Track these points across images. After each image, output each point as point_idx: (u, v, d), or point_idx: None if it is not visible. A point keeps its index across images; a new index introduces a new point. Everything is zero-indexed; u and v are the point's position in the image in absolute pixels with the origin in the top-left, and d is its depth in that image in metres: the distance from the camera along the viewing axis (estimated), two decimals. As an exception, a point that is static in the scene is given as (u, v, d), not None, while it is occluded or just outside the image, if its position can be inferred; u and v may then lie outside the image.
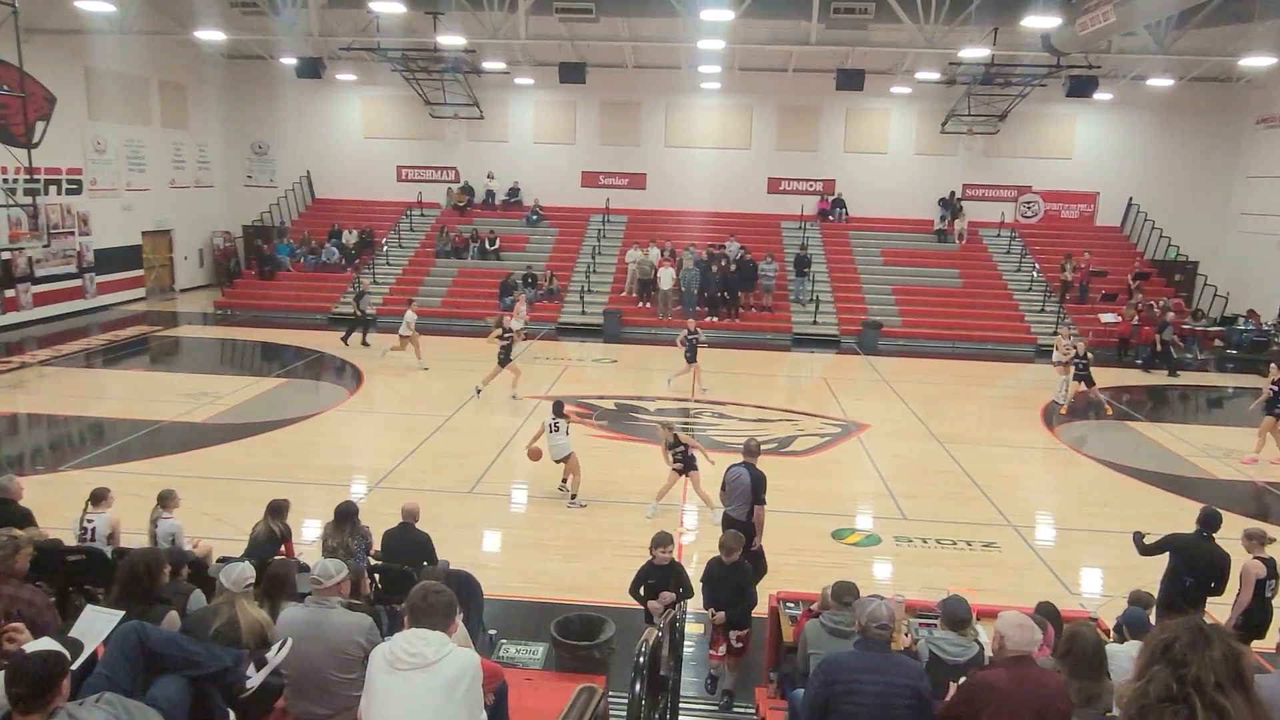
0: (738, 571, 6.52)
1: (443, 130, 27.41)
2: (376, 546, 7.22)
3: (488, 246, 25.29)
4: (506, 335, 15.53)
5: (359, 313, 19.65)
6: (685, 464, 10.30)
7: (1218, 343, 22.07)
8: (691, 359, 16.68)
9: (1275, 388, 13.06)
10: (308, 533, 9.00)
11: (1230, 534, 7.05)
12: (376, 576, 6.74)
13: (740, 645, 6.64)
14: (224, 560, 5.86)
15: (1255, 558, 6.73)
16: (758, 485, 7.77)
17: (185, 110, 26.07)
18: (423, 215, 27.19)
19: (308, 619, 4.26)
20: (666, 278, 22.83)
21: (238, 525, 8.16)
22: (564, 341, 21.75)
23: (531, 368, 18.33)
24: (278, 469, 11.50)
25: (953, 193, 26.52)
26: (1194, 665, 2.27)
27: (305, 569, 5.09)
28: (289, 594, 4.82)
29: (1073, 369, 15.78)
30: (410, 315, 17.44)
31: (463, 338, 21.25)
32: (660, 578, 6.57)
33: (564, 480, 10.96)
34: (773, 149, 26.87)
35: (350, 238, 25.90)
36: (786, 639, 6.00)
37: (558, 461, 10.80)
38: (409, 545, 7.10)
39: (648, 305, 23.35)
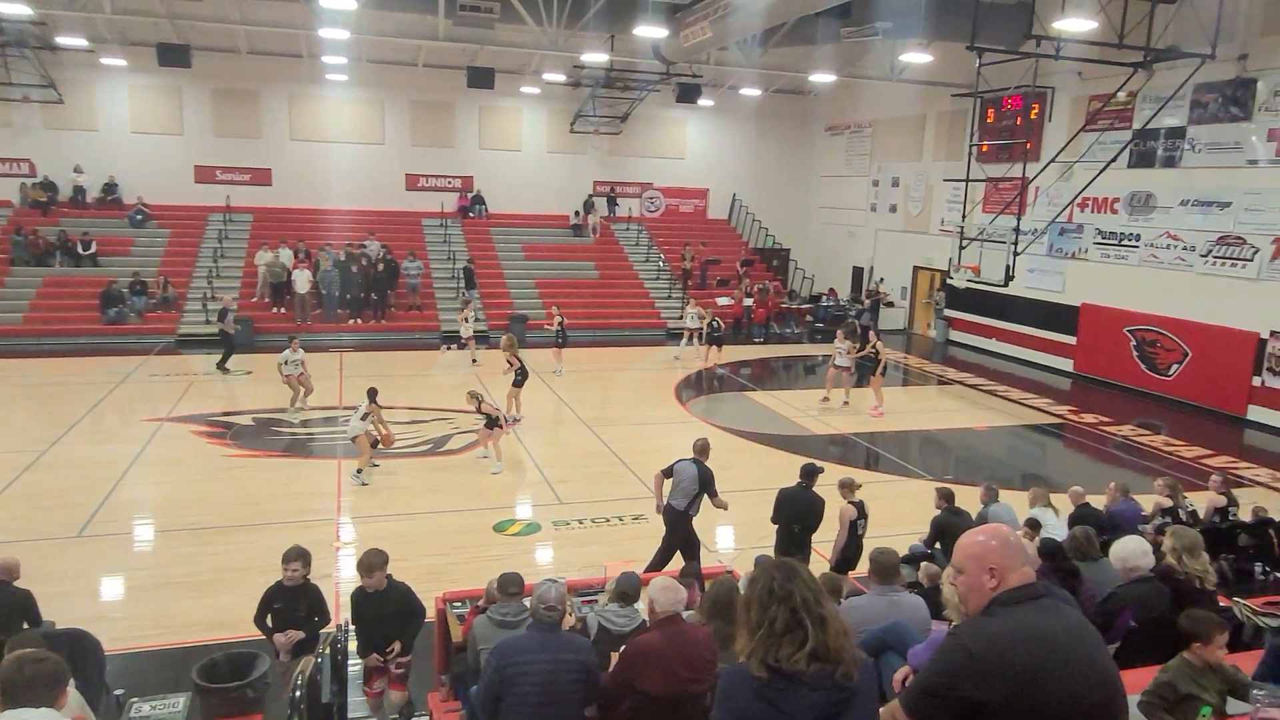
0: (389, 600, 5.77)
1: (10, 116, 23.12)
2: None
3: (81, 251, 21.88)
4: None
5: (226, 332, 17.50)
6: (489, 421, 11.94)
7: (808, 318, 25.75)
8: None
9: (863, 352, 16.04)
10: None
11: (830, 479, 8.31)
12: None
13: (401, 672, 5.96)
14: None
15: (849, 502, 7.99)
16: (705, 480, 8.31)
17: None
18: (-12, 216, 22.82)
19: None
20: (303, 280, 21.46)
21: None
22: (186, 354, 19.54)
23: (148, 387, 16.33)
24: None
25: (612, 186, 28.06)
26: (796, 593, 2.68)
27: None
28: None
29: (707, 333, 19.31)
30: (288, 354, 14.56)
31: (55, 358, 18.36)
32: (289, 601, 5.82)
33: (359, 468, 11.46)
34: (408, 145, 26.34)
35: (-117, 244, 20.97)
36: (455, 639, 5.99)
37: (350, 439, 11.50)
38: (7, 607, 5.99)
39: (283, 310, 21.79)
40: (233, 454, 12.54)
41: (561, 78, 24.32)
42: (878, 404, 15.82)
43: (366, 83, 25.30)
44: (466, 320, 19.09)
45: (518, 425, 14.04)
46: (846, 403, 16.28)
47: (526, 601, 4.93)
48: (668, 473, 8.54)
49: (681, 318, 20.73)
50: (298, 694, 4.33)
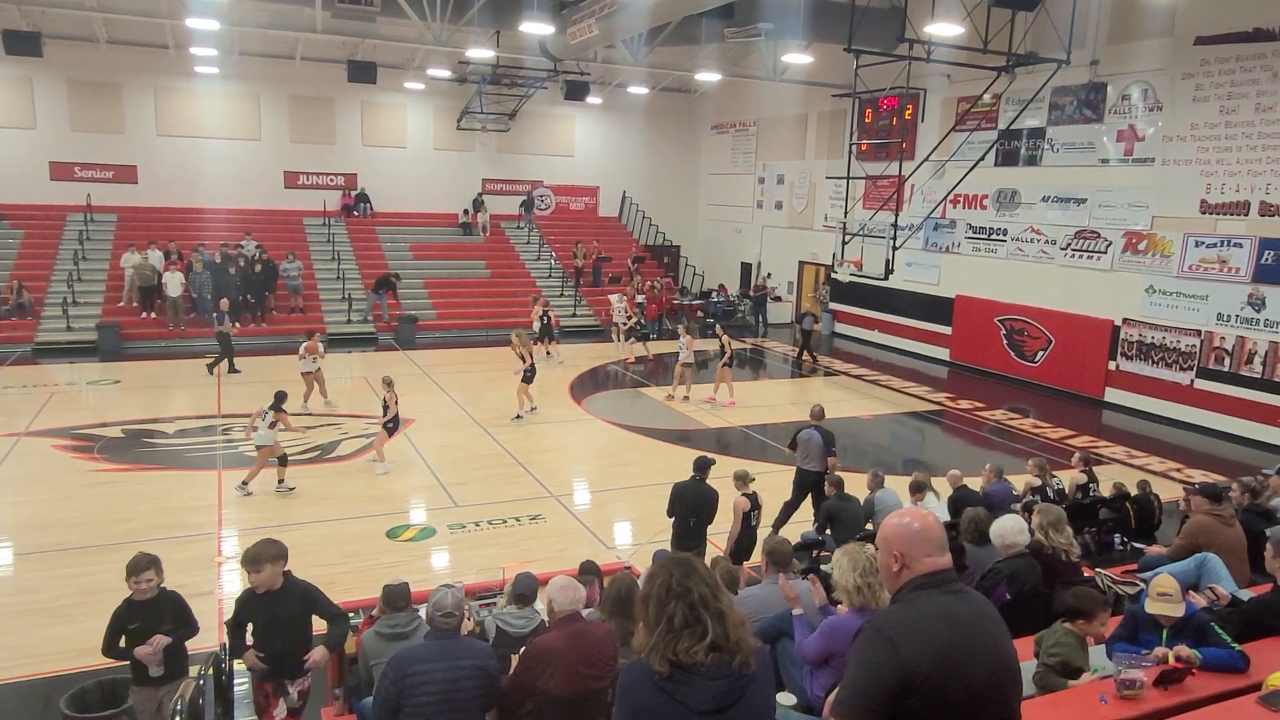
0: (287, 603, 5.02)
1: None
2: None
3: (-80, 254, 20.20)
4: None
5: (224, 334, 17.24)
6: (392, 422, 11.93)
7: (699, 314, 26.13)
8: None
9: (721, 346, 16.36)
10: None
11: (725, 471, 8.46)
12: None
13: (300, 704, 5.23)
14: None
15: (742, 495, 8.16)
16: (829, 441, 9.57)
17: None
18: None
19: None
20: (174, 283, 20.36)
21: None
22: (45, 364, 18.28)
23: (2, 399, 15.24)
24: None
25: (532, 186, 27.68)
26: (694, 589, 2.73)
27: None
28: None
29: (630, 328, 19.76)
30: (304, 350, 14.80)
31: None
32: (148, 618, 5.09)
33: (280, 480, 11.07)
34: (286, 141, 25.34)
35: None
36: (350, 650, 5.82)
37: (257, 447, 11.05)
38: None
39: (153, 315, 20.65)
40: (101, 468, 11.81)
41: (447, 73, 23.86)
42: (715, 394, 16.35)
43: (240, 76, 24.20)
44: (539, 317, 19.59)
45: (518, 420, 14.70)
46: (686, 398, 16.41)
47: (422, 610, 4.82)
48: (793, 445, 9.81)
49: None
50: (178, 718, 4.08)
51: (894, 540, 2.60)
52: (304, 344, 14.86)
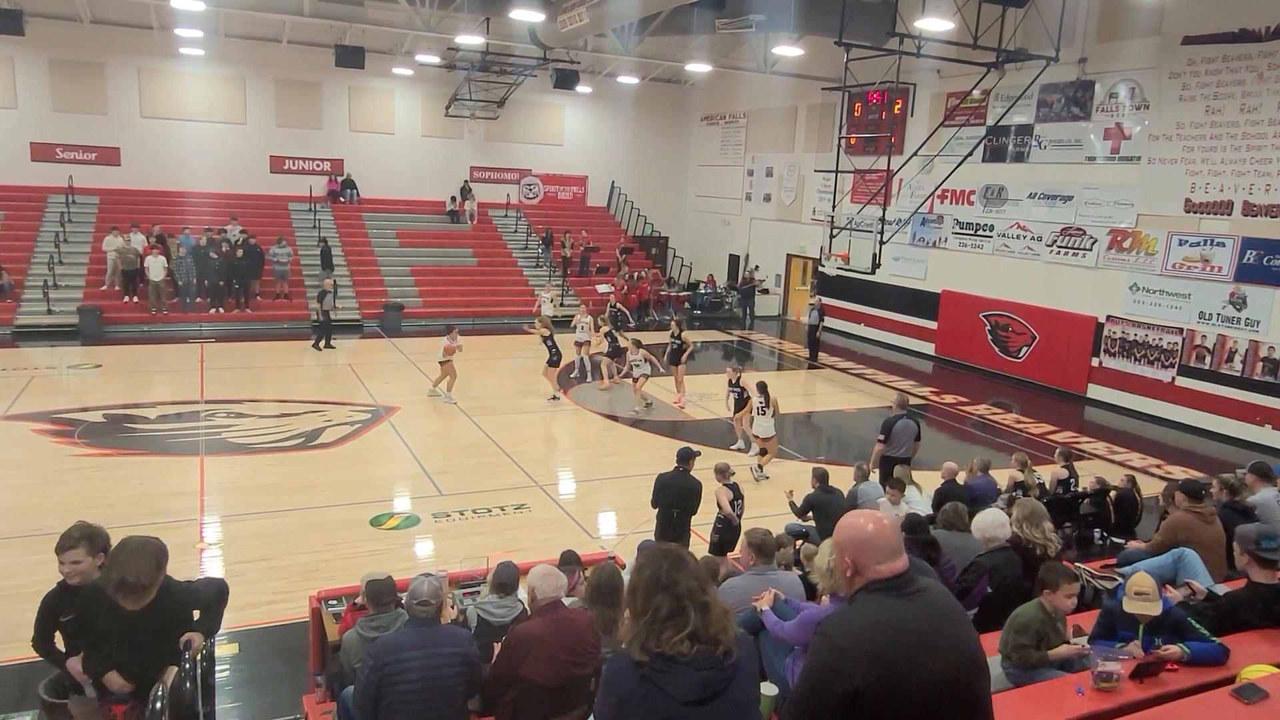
0: (155, 610, 3.99)
1: None
2: None
3: (-103, 234, 19.92)
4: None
5: (324, 315, 18.43)
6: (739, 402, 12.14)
7: (686, 305, 26.14)
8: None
9: (677, 342, 15.87)
10: None
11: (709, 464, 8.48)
12: None
13: None
14: None
15: (723, 485, 8.18)
16: (919, 429, 10.50)
17: None
18: None
19: None
20: (157, 267, 20.17)
21: None
22: (25, 348, 18.09)
23: (-19, 383, 15.06)
24: None
25: (548, 229, 26.78)
26: (681, 582, 2.74)
27: None
28: None
29: (606, 343, 17.20)
30: (446, 341, 15.22)
31: None
32: (85, 608, 4.11)
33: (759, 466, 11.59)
34: (272, 125, 25.10)
35: None
36: (332, 638, 5.80)
37: (762, 439, 11.69)
38: None
39: (136, 299, 20.46)
40: (82, 453, 11.71)
41: (435, 60, 23.70)
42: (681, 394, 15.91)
43: (226, 59, 23.94)
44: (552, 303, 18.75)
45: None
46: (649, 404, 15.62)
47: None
48: (886, 435, 10.17)
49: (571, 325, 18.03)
50: (159, 705, 4.01)
51: (845, 546, 2.62)
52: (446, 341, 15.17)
